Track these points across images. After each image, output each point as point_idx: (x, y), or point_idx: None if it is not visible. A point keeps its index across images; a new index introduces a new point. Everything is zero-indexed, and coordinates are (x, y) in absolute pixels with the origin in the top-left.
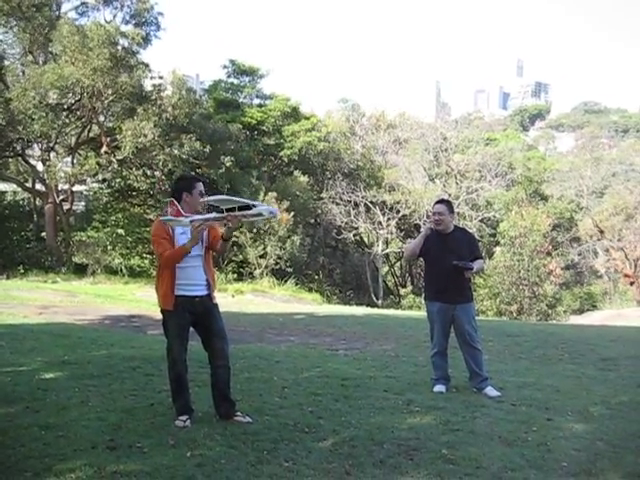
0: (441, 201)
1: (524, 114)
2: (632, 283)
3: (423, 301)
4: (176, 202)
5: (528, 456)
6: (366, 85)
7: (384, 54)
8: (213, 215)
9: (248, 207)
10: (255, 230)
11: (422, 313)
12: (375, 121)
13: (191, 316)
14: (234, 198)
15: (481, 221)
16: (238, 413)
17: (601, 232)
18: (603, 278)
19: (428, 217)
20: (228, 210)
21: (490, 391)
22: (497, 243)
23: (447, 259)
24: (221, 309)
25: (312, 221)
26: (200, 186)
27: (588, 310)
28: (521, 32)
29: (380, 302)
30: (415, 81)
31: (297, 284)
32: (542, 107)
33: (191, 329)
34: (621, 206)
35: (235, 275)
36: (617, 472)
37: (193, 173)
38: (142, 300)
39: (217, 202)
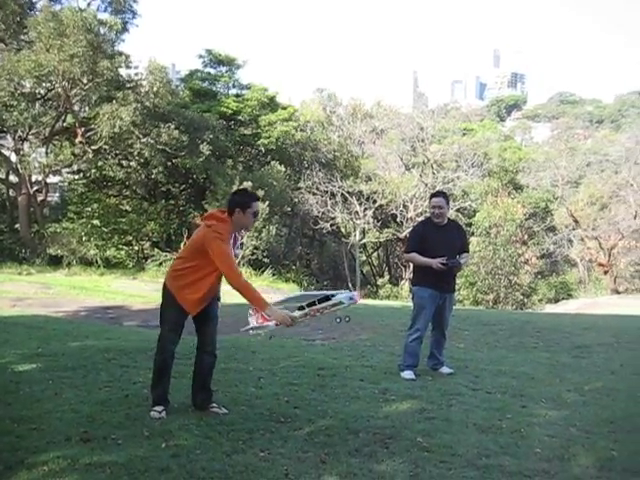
0: (439, 194)
1: (501, 104)
2: (606, 272)
3: (412, 287)
4: (228, 217)
5: (502, 443)
6: (343, 75)
7: (361, 44)
8: (297, 314)
9: (327, 298)
10: None
11: (399, 302)
12: (352, 111)
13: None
14: (312, 293)
15: (457, 211)
16: (214, 404)
17: (576, 221)
18: (578, 267)
19: (405, 207)
20: (309, 305)
21: (445, 369)
22: (473, 233)
23: (442, 250)
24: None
25: (289, 211)
26: (256, 206)
27: (563, 299)
28: (498, 23)
29: (357, 292)
30: (392, 71)
31: (274, 274)
32: (518, 98)
33: None
34: (596, 196)
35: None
36: (589, 457)
37: (249, 190)
38: (118, 292)
39: (296, 300)
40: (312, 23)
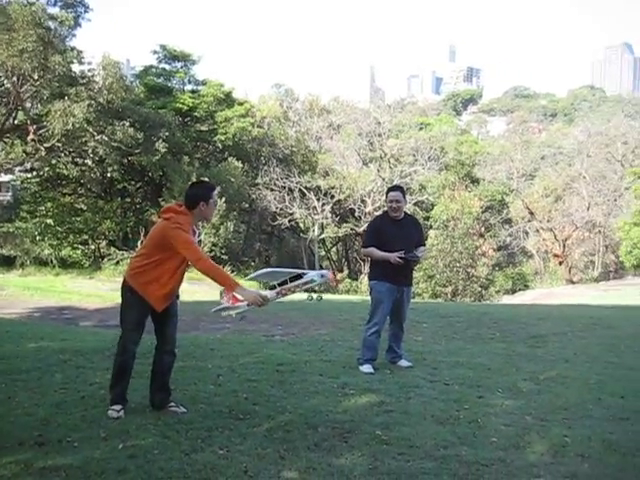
0: (396, 188)
1: (457, 99)
2: (561, 263)
3: (369, 281)
4: (188, 211)
5: (460, 433)
6: (300, 70)
7: (318, 39)
8: (269, 293)
9: (299, 276)
10: None
11: (358, 297)
12: (309, 106)
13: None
14: (281, 270)
15: (415, 205)
16: (172, 403)
17: (531, 213)
18: (534, 258)
19: (363, 201)
20: (281, 284)
21: (403, 362)
22: (431, 226)
23: (399, 244)
24: None
25: (247, 207)
26: (216, 195)
27: (520, 290)
28: (453, 18)
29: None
30: (349, 66)
31: (233, 271)
32: (474, 92)
33: None
34: (550, 188)
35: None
36: (543, 445)
37: (206, 180)
38: (73, 292)
39: (264, 277)
40: (268, 18)
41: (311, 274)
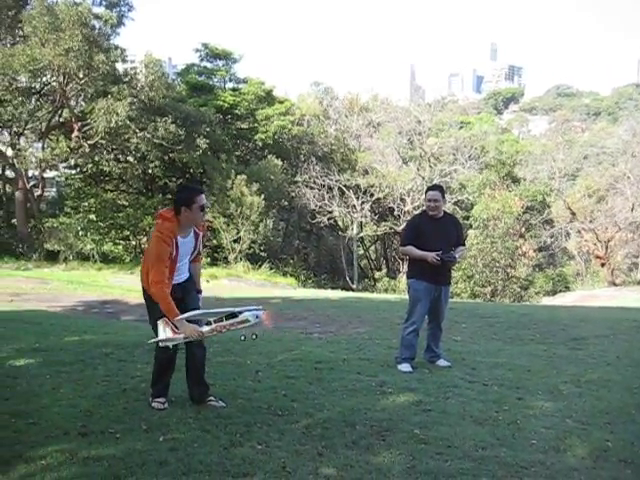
0: (434, 187)
1: (498, 97)
2: (603, 264)
3: (408, 280)
4: (175, 217)
5: (499, 434)
6: (340, 69)
7: (358, 37)
8: (206, 329)
9: (234, 315)
10: (229, 214)
11: (397, 296)
12: (348, 104)
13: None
14: (213, 310)
15: (455, 204)
16: (211, 397)
17: (573, 214)
18: (575, 259)
19: (402, 200)
20: (217, 321)
21: (442, 362)
22: (470, 226)
23: (438, 243)
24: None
25: (286, 205)
26: (201, 199)
27: (561, 291)
28: (495, 16)
29: (355, 285)
30: (389, 64)
31: (272, 268)
32: (515, 90)
33: None
34: (592, 188)
35: (209, 260)
36: (584, 448)
37: (194, 184)
38: (115, 286)
39: (196, 317)
40: (309, 17)
41: (246, 314)
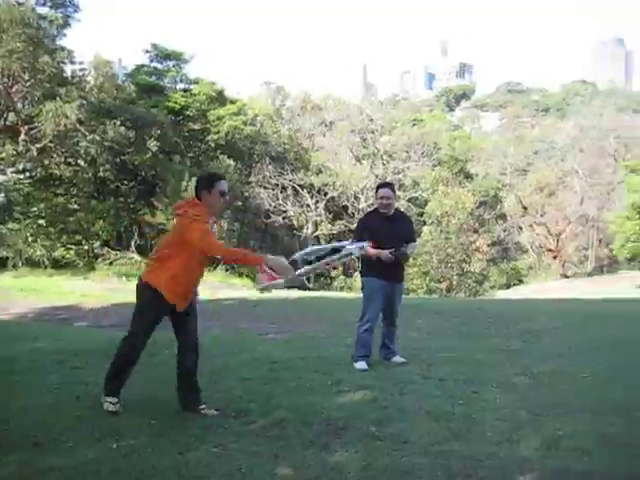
0: (385, 184)
1: (449, 94)
2: (555, 257)
3: (361, 278)
4: (199, 202)
5: (454, 429)
6: (292, 68)
7: (309, 36)
8: (303, 270)
9: (337, 250)
10: None
11: (353, 294)
12: (301, 103)
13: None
14: (321, 246)
15: (408, 201)
16: (203, 405)
17: (525, 209)
18: (528, 253)
19: (356, 198)
20: (319, 258)
21: (397, 359)
22: (425, 222)
23: (390, 241)
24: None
25: (240, 205)
26: (222, 185)
27: (515, 285)
28: (445, 13)
29: (311, 284)
30: (341, 63)
31: (227, 270)
32: (467, 87)
33: None
34: (543, 183)
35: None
36: (537, 439)
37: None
38: (68, 292)
39: (308, 255)
40: (260, 16)
41: (349, 247)
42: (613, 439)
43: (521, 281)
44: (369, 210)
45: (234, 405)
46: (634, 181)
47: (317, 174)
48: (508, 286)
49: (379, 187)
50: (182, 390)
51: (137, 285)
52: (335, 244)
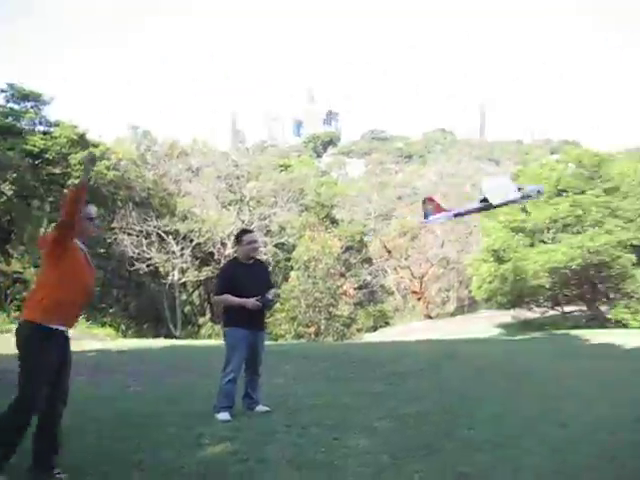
0: (249, 231)
1: (317, 141)
2: (419, 299)
3: (224, 328)
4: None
5: (316, 477)
6: (159, 113)
7: (177, 81)
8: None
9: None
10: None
11: (219, 341)
12: (168, 149)
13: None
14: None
15: (275, 246)
16: (59, 471)
17: (389, 252)
18: (394, 295)
19: (223, 244)
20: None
21: (261, 408)
22: (292, 268)
23: (252, 289)
24: (6, 351)
25: (103, 253)
26: (88, 209)
27: (381, 327)
28: (310, 61)
29: (178, 332)
30: (210, 110)
31: (89, 319)
32: (333, 135)
33: None
34: (406, 227)
35: (19, 313)
36: None
37: None
38: None
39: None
40: (125, 58)
41: (529, 189)
42: (470, 477)
43: (387, 323)
44: (229, 260)
45: (89, 465)
46: (488, 225)
47: (183, 220)
48: (375, 328)
49: (243, 233)
50: (41, 447)
51: (15, 331)
52: (517, 185)
